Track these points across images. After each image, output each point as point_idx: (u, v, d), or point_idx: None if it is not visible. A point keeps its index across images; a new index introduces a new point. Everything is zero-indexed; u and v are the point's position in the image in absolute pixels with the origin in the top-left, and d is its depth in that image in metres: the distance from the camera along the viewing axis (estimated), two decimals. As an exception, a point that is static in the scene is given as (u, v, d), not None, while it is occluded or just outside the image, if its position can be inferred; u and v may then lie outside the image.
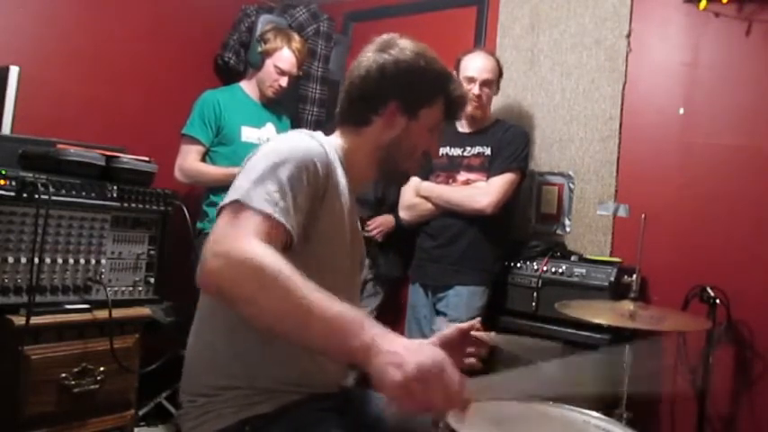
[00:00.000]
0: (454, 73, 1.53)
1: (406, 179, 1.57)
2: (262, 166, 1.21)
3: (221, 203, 1.20)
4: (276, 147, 1.28)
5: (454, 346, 1.42)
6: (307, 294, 1.03)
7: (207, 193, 2.93)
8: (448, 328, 1.46)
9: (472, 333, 1.44)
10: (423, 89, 1.41)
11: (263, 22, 3.30)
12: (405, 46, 1.41)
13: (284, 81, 2.97)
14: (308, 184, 1.24)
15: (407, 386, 0.96)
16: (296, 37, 3.03)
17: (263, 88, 3.00)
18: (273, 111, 3.08)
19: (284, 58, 2.95)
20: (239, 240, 1.09)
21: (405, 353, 0.98)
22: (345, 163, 1.41)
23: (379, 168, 1.45)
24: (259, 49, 2.97)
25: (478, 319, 1.49)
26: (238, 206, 1.16)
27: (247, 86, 3.06)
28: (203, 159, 2.92)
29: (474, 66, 2.72)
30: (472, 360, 1.45)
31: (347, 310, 1.03)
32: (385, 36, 1.44)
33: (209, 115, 2.90)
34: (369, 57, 1.42)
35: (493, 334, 1.44)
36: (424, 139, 1.45)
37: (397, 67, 1.39)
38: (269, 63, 2.95)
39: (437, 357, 1.00)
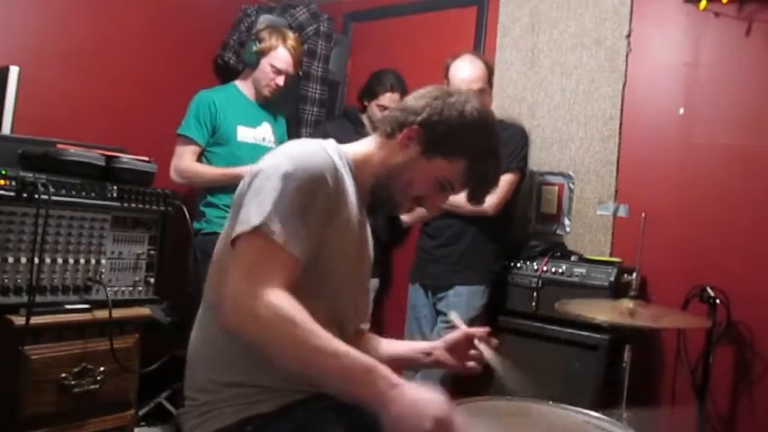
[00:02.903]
0: (499, 158, 1.43)
1: (392, 209, 1.49)
2: (273, 187, 1.21)
3: (236, 233, 1.21)
4: (286, 163, 1.25)
5: (459, 348, 1.48)
6: (326, 348, 1.12)
7: (204, 193, 2.92)
8: (455, 332, 1.50)
9: (475, 342, 1.48)
10: (450, 138, 1.35)
11: (263, 23, 3.29)
12: (472, 101, 1.38)
13: (281, 80, 2.94)
14: (319, 203, 1.24)
15: None
16: (291, 35, 2.99)
17: (259, 88, 2.97)
18: (269, 110, 3.06)
19: (280, 56, 2.91)
20: (266, 289, 1.13)
21: (419, 406, 1.09)
22: (356, 170, 1.40)
23: (375, 184, 1.42)
24: (254, 48, 2.92)
25: (487, 329, 1.51)
26: (257, 240, 1.18)
27: (243, 85, 3.03)
28: (199, 160, 2.90)
29: (462, 77, 2.67)
30: (473, 364, 1.51)
31: (361, 360, 1.14)
32: (467, 92, 1.44)
33: (205, 115, 2.87)
34: (439, 87, 1.42)
35: (491, 354, 1.46)
36: (425, 184, 1.39)
37: (446, 105, 1.36)
38: (264, 62, 2.91)
39: (447, 410, 1.10)
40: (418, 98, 1.41)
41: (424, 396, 1.11)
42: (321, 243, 1.27)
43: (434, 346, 1.51)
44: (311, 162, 1.27)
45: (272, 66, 2.91)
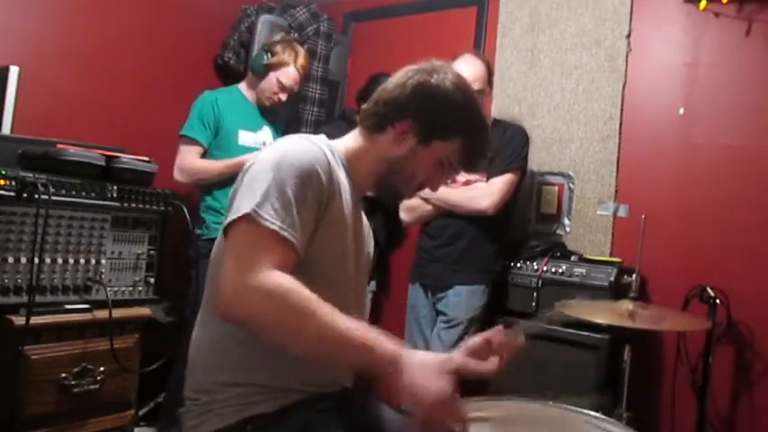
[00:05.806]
0: (489, 123, 1.47)
1: (398, 200, 1.54)
2: (265, 179, 1.22)
3: (227, 221, 1.21)
4: (278, 157, 1.26)
5: (481, 354, 1.40)
6: (334, 321, 1.14)
7: (204, 196, 2.91)
8: (474, 339, 1.41)
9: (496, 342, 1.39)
10: (444, 122, 1.38)
11: (263, 23, 3.29)
12: (449, 76, 1.39)
13: (284, 96, 2.98)
14: (312, 195, 1.25)
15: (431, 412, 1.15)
16: (302, 52, 3.02)
17: (261, 97, 2.99)
18: (269, 116, 3.07)
19: (289, 74, 2.95)
20: (259, 270, 1.13)
21: (424, 379, 1.16)
22: (349, 165, 1.41)
23: (377, 180, 1.44)
24: (265, 59, 2.94)
25: (502, 328, 1.43)
26: (247, 226, 1.18)
27: (246, 90, 3.04)
28: None
29: None
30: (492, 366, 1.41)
31: (369, 331, 1.17)
32: (438, 62, 1.43)
33: (209, 116, 2.88)
34: (413, 71, 1.41)
35: (511, 331, 1.41)
36: (427, 169, 1.42)
37: (430, 91, 1.37)
38: (272, 76, 2.94)
39: (448, 387, 1.17)
40: (400, 87, 1.40)
41: (433, 359, 1.20)
42: (316, 236, 1.28)
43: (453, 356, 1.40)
44: (303, 156, 1.27)
45: (280, 81, 2.94)
